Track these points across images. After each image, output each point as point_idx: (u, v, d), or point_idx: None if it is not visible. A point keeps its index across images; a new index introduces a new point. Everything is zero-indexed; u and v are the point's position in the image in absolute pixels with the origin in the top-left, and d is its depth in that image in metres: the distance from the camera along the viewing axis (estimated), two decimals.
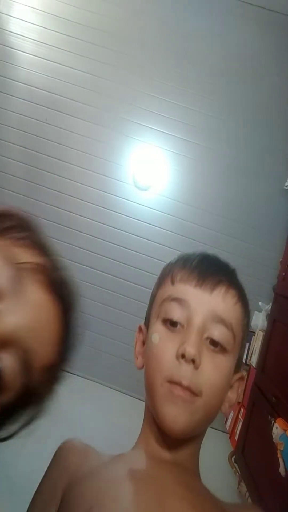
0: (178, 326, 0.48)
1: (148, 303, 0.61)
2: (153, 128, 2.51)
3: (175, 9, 2.49)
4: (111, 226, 2.51)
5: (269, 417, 1.55)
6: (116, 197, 2.52)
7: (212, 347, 0.48)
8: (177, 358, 0.46)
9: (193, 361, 0.45)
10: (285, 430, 1.38)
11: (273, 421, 1.48)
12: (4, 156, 2.52)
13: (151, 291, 0.62)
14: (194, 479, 0.51)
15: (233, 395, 0.54)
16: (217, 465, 2.05)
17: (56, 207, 2.52)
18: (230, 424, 2.23)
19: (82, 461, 0.52)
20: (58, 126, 2.51)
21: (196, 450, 0.53)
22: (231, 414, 2.27)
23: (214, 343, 0.48)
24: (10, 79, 2.51)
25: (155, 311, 0.53)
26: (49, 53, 2.50)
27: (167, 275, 0.54)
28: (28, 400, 0.38)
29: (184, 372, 0.46)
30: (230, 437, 2.21)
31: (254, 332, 2.22)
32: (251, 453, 1.78)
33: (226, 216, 2.47)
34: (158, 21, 2.50)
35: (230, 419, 2.25)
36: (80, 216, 2.52)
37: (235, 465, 1.98)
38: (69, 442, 0.57)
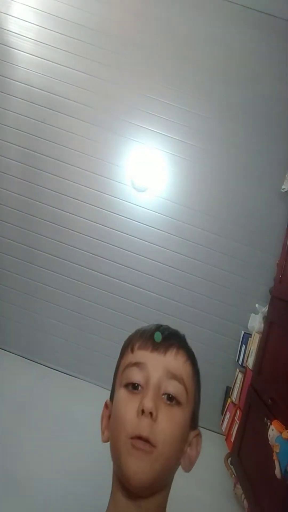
0: (139, 388, 0.56)
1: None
2: (151, 130, 2.51)
3: (174, 11, 2.50)
4: (109, 227, 2.51)
5: (265, 419, 1.55)
6: (113, 198, 2.51)
7: (168, 401, 0.55)
8: (137, 415, 0.53)
9: (151, 414, 0.52)
10: (281, 432, 1.38)
11: (269, 423, 1.48)
12: (2, 156, 2.51)
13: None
14: None
15: (192, 452, 0.60)
16: (213, 467, 2.05)
17: (53, 207, 2.51)
18: (226, 426, 2.23)
19: None
20: (56, 126, 2.50)
21: (162, 503, 0.58)
22: (227, 415, 2.27)
23: (169, 397, 0.55)
24: (8, 78, 2.50)
25: (118, 380, 0.61)
26: (47, 52, 2.50)
27: (127, 346, 0.63)
28: None
29: (143, 425, 0.52)
30: (226, 439, 2.21)
31: (251, 334, 2.23)
32: (247, 455, 1.78)
33: (223, 218, 2.48)
34: (156, 23, 2.51)
35: (226, 421, 2.25)
36: (78, 216, 2.51)
37: (231, 467, 1.98)
38: None
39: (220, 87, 2.50)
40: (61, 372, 2.53)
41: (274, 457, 1.37)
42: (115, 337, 2.44)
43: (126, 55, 2.50)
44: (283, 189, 2.30)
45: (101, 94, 2.50)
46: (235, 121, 2.49)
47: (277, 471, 1.35)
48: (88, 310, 2.52)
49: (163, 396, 0.55)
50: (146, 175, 2.51)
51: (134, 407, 0.54)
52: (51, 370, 2.52)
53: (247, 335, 2.30)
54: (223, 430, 2.28)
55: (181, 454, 0.58)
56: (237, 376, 2.29)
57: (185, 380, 0.57)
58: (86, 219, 2.52)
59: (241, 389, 2.14)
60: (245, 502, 1.68)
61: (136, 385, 0.56)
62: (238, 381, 2.23)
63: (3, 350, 2.54)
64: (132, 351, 0.60)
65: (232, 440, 2.04)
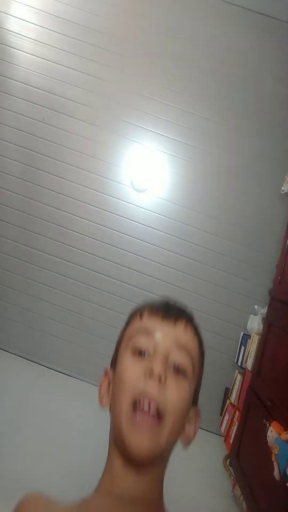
0: (146, 355, 0.54)
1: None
2: (151, 130, 2.51)
3: (175, 12, 2.50)
4: (108, 227, 2.51)
5: (264, 420, 1.54)
6: (113, 198, 2.51)
7: (175, 372, 0.53)
8: (144, 376, 0.50)
9: (159, 378, 0.50)
10: (279, 434, 1.38)
11: (268, 425, 1.48)
12: (1, 155, 2.51)
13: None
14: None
15: (190, 429, 0.58)
16: (211, 468, 2.05)
17: (53, 207, 2.51)
18: (225, 427, 2.23)
19: None
20: (56, 126, 2.50)
21: (159, 479, 0.55)
22: (226, 417, 2.26)
23: (176, 369, 0.54)
24: (8, 78, 2.50)
25: (123, 345, 0.58)
26: (47, 52, 2.50)
27: (135, 314, 0.61)
28: None
29: (150, 387, 0.49)
30: (225, 440, 2.21)
31: (250, 336, 2.22)
32: (246, 457, 1.78)
33: (223, 219, 2.48)
34: (157, 24, 2.51)
35: (225, 422, 2.25)
36: (77, 216, 2.51)
37: (230, 468, 1.98)
38: (28, 498, 0.55)
39: (221, 88, 2.50)
40: (60, 372, 2.52)
41: (273, 459, 1.36)
42: (114, 337, 2.43)
43: (127, 56, 2.50)
44: (282, 190, 2.30)
45: (101, 95, 2.50)
46: (235, 122, 2.49)
47: (276, 473, 1.34)
48: (87, 310, 2.52)
49: (170, 365, 0.53)
50: (146, 176, 2.50)
51: (139, 370, 0.51)
52: (50, 370, 2.51)
53: (246, 337, 2.30)
54: (222, 431, 2.27)
55: (183, 425, 0.56)
56: (236, 377, 2.29)
57: (192, 355, 0.56)
58: (85, 219, 2.51)
59: (240, 390, 2.14)
60: (243, 504, 1.67)
61: (143, 351, 0.54)
62: (237, 382, 2.23)
63: (2, 350, 2.54)
64: (141, 318, 0.58)
65: (231, 441, 2.04)
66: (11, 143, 2.51)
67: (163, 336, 0.54)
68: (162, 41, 2.51)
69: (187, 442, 0.58)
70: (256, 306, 2.28)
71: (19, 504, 0.54)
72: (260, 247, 2.46)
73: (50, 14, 2.50)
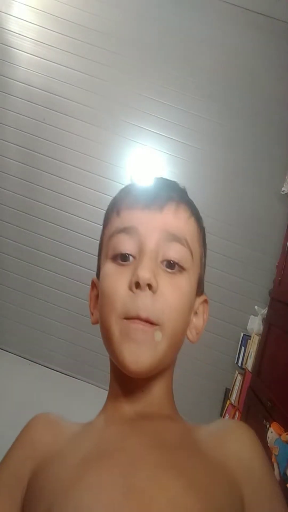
0: (130, 258, 0.44)
1: None
2: (150, 131, 2.51)
3: (174, 12, 2.50)
4: None
5: (264, 421, 1.54)
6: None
7: (169, 269, 0.44)
8: (130, 289, 0.42)
9: (149, 286, 0.41)
10: (280, 435, 1.38)
11: (268, 426, 1.48)
12: (2, 156, 2.51)
13: None
14: (168, 426, 0.45)
15: (199, 321, 0.51)
16: None
17: (52, 207, 2.51)
18: None
19: (53, 439, 0.46)
20: (56, 126, 2.50)
21: (167, 385, 0.49)
22: (226, 417, 2.26)
23: (170, 264, 0.44)
24: (8, 77, 2.50)
25: (104, 253, 0.48)
26: (48, 53, 2.50)
27: (111, 209, 0.49)
28: None
29: (141, 302, 0.41)
30: None
31: (250, 336, 2.22)
32: None
33: (223, 219, 2.48)
34: (157, 24, 2.50)
35: None
36: (77, 216, 2.51)
37: None
38: (42, 416, 0.51)
39: (220, 88, 2.49)
40: (60, 372, 2.52)
41: (273, 460, 1.36)
42: None
43: (126, 56, 2.50)
44: (283, 191, 2.30)
45: (100, 95, 2.50)
46: (235, 122, 2.48)
47: (276, 473, 1.34)
48: (87, 310, 2.51)
49: (162, 264, 0.44)
50: (146, 176, 2.50)
51: (125, 280, 0.42)
52: (50, 370, 2.51)
53: (247, 337, 2.30)
54: None
55: (187, 325, 0.48)
56: (236, 378, 2.29)
57: (189, 241, 0.45)
58: (85, 219, 2.51)
59: (240, 391, 2.14)
60: None
61: (126, 255, 0.44)
62: (237, 383, 2.22)
63: (2, 350, 2.54)
64: (118, 213, 0.47)
65: None
66: (11, 143, 2.51)
67: (148, 231, 0.44)
68: (162, 41, 2.50)
69: (196, 336, 0.50)
70: (256, 307, 2.28)
71: (29, 421, 0.51)
72: (260, 247, 2.45)
73: (50, 14, 2.49)
